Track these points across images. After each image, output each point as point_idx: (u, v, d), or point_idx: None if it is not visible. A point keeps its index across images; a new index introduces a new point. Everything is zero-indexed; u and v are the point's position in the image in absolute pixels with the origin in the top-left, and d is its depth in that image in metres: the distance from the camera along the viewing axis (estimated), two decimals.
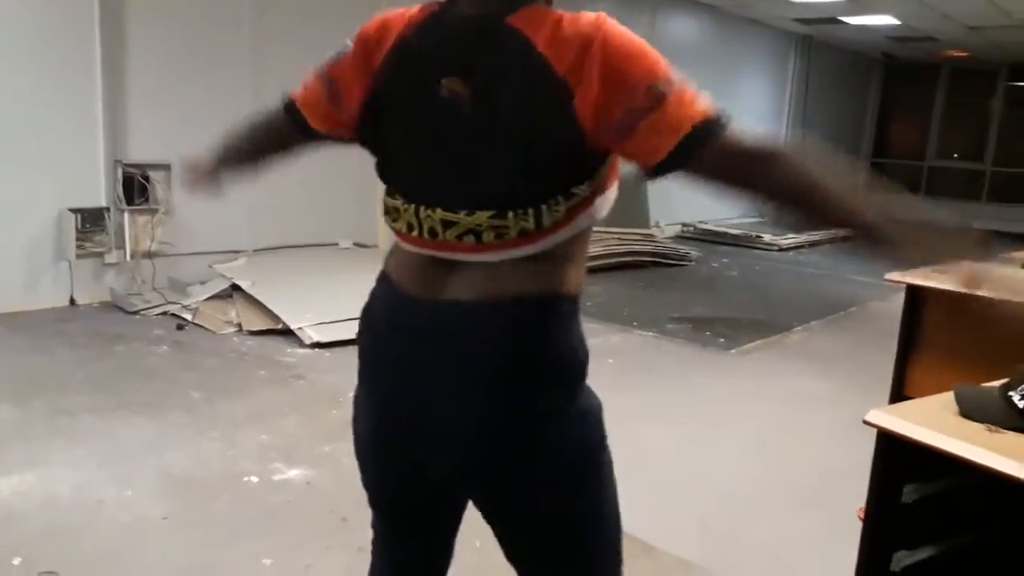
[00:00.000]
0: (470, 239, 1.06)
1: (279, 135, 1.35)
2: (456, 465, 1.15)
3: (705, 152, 0.98)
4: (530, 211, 1.04)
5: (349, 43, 1.18)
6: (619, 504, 1.24)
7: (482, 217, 1.05)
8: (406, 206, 1.12)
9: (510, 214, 1.04)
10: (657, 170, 1.01)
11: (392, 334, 1.16)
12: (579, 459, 1.16)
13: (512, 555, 1.23)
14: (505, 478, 1.14)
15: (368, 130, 1.18)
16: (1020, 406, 1.44)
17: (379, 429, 1.23)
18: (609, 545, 1.24)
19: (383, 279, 1.21)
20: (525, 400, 1.10)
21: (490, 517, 1.20)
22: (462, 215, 1.06)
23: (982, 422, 1.46)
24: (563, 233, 1.07)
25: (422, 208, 1.10)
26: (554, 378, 1.11)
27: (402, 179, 1.16)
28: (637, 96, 0.98)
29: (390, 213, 1.16)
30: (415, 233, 1.11)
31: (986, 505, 1.55)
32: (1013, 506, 1.45)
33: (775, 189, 1.00)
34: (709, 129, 0.98)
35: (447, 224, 1.07)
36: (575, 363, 1.14)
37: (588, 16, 1.02)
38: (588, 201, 1.08)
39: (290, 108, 1.28)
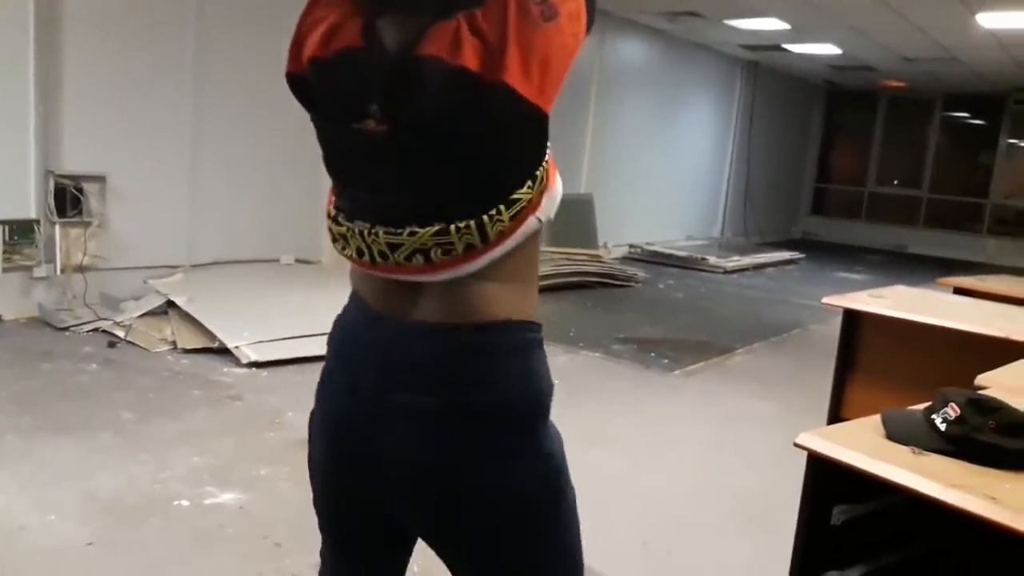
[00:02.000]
0: (419, 259, 1.04)
1: None
2: (404, 500, 1.12)
3: None
4: (471, 224, 1.02)
5: None
6: (580, 553, 1.19)
7: (425, 236, 1.03)
8: (351, 229, 1.09)
9: (452, 228, 1.02)
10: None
11: (353, 351, 1.15)
12: (537, 499, 1.11)
13: None
14: (452, 519, 1.11)
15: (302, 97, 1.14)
16: (941, 429, 1.46)
17: (332, 451, 1.19)
18: None
19: (353, 295, 1.19)
20: (483, 438, 1.07)
21: (440, 554, 1.16)
22: (404, 235, 1.04)
23: (907, 444, 1.48)
24: (511, 241, 1.05)
25: (366, 231, 1.07)
26: (515, 416, 1.09)
27: (341, 185, 1.14)
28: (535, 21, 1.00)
29: (338, 241, 1.13)
30: (366, 258, 1.09)
31: (912, 525, 1.57)
32: (936, 526, 1.47)
33: None
34: None
35: (393, 246, 1.05)
36: (538, 398, 1.11)
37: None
38: (533, 204, 1.06)
39: None
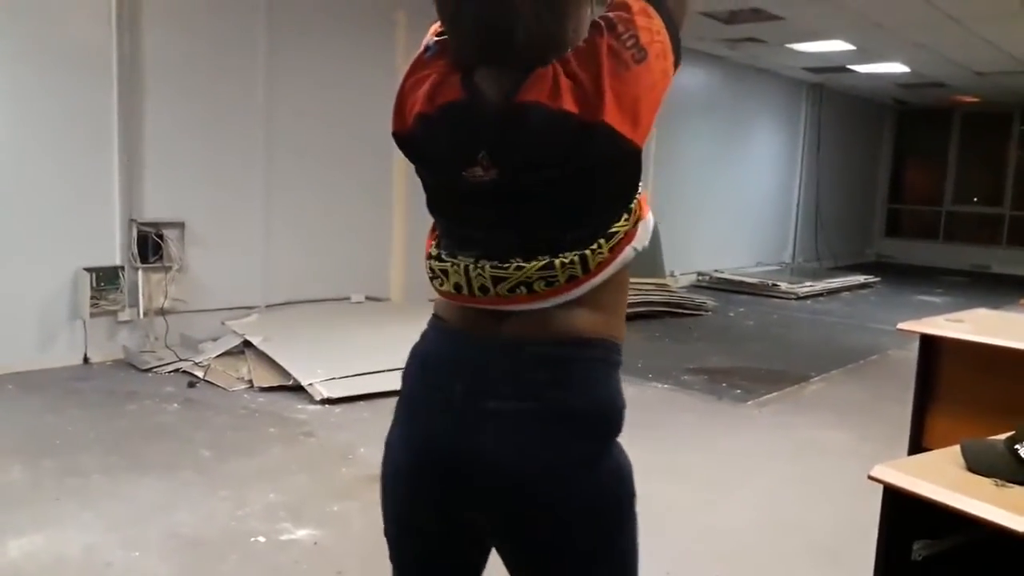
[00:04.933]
0: (522, 291, 1.10)
1: None
2: (492, 503, 1.15)
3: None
4: (575, 258, 1.08)
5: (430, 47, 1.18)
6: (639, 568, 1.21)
7: (531, 269, 1.08)
8: (455, 265, 1.14)
9: (557, 263, 1.08)
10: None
11: (440, 370, 1.18)
12: (609, 513, 1.15)
13: None
14: (533, 523, 1.13)
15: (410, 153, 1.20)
16: None
17: (420, 465, 1.19)
18: None
19: (434, 319, 1.23)
20: (564, 444, 1.10)
21: (511, 562, 1.19)
22: (511, 269, 1.09)
23: (988, 476, 1.42)
24: (609, 270, 1.11)
25: (471, 266, 1.12)
26: (593, 424, 1.13)
27: (446, 224, 1.19)
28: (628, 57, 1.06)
29: (438, 276, 1.18)
30: (464, 292, 1.14)
31: (996, 561, 1.51)
32: (1022, 562, 1.40)
33: None
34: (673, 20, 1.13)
35: (498, 280, 1.10)
36: (615, 412, 1.15)
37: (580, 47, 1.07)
38: (629, 235, 1.12)
39: None
